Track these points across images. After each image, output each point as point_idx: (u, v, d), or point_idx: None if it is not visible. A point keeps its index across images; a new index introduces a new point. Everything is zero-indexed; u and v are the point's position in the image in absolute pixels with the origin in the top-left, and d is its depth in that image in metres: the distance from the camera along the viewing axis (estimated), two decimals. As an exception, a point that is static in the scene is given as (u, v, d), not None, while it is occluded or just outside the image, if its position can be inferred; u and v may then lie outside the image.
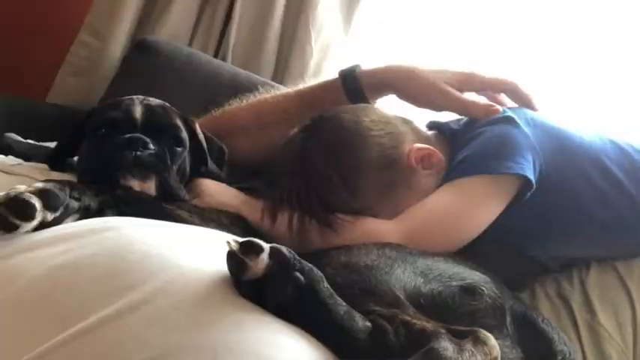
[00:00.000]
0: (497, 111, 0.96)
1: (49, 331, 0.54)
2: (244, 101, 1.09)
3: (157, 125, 0.85)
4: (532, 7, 1.45)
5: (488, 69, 1.08)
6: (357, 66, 1.04)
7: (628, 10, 1.37)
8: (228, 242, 0.57)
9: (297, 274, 0.56)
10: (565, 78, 1.43)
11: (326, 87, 1.05)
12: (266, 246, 0.57)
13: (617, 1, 1.39)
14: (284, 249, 0.57)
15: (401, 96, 1.02)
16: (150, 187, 0.82)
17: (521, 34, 1.46)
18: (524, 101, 1.02)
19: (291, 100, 1.06)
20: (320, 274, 0.59)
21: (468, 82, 1.01)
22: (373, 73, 1.03)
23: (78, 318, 0.54)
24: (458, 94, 0.99)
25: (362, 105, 0.98)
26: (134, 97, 0.88)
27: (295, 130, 0.97)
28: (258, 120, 1.06)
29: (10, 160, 0.90)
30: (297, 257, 0.58)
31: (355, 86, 1.02)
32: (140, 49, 1.35)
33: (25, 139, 1.04)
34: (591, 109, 1.39)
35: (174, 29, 1.46)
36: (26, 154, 0.95)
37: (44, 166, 0.91)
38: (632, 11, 1.37)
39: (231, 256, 0.57)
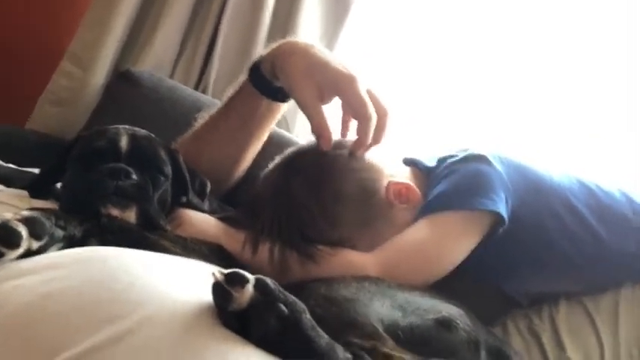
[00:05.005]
0: (327, 146, 0.91)
1: (32, 361, 0.54)
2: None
3: (141, 156, 0.86)
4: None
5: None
6: (260, 55, 0.98)
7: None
8: (214, 273, 0.58)
9: (281, 305, 0.58)
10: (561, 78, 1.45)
11: (241, 84, 1.02)
12: (251, 277, 0.58)
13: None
14: (269, 280, 0.59)
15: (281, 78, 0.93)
16: (130, 215, 0.83)
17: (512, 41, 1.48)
18: (363, 139, 0.90)
19: (216, 109, 1.07)
20: (303, 306, 0.60)
21: (340, 93, 0.90)
22: (268, 55, 0.96)
23: (62, 348, 0.54)
24: (317, 102, 0.90)
25: (341, 139, 1.01)
26: (120, 126, 0.89)
27: (276, 161, 1.00)
28: (194, 134, 1.07)
29: (-10, 185, 0.90)
30: (281, 289, 0.59)
31: (257, 74, 0.98)
32: (123, 79, 1.36)
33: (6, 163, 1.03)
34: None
35: (156, 60, 1.47)
36: (7, 179, 0.95)
37: (24, 193, 0.90)
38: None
39: (217, 287, 0.58)
